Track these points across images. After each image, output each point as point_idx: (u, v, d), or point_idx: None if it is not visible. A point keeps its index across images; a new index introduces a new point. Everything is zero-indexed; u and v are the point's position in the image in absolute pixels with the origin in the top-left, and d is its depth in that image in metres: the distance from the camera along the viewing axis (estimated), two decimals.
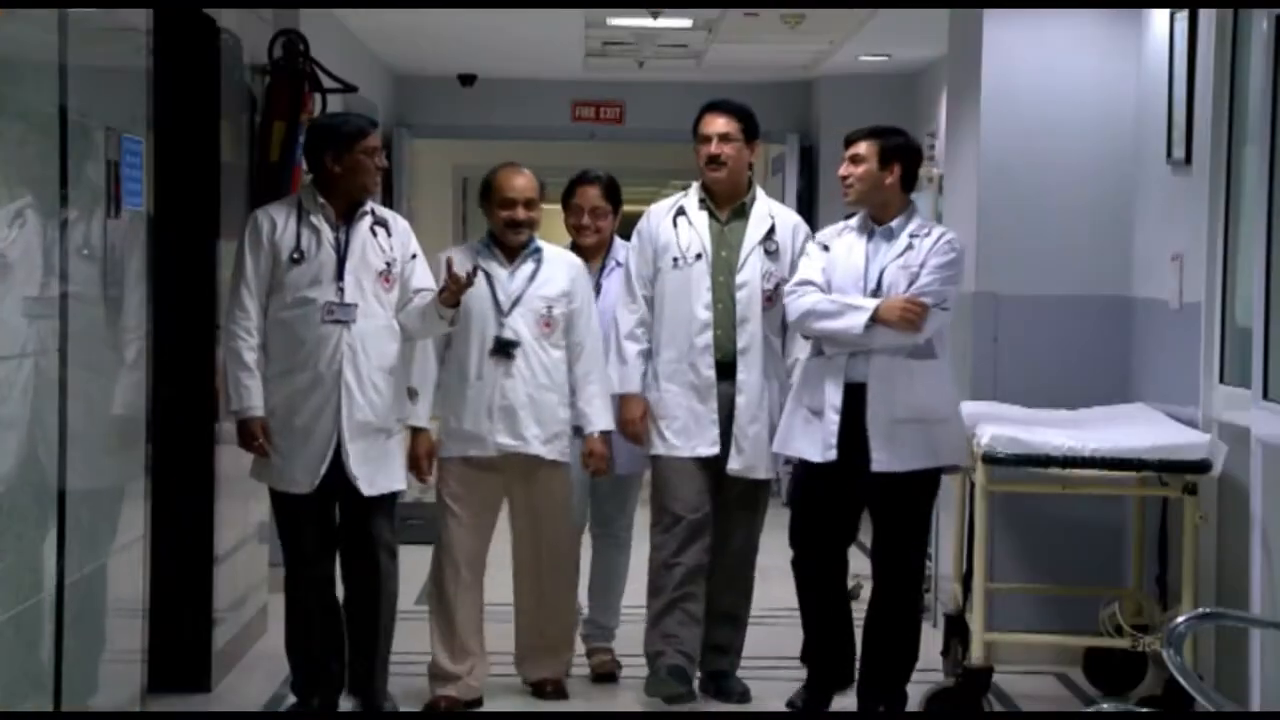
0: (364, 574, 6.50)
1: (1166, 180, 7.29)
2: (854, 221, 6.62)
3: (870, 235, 6.53)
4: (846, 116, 13.05)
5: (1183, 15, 7.01)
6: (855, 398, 6.39)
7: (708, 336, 6.80)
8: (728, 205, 6.91)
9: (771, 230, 6.89)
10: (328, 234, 6.41)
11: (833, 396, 6.42)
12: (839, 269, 6.50)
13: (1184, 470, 6.51)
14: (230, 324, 6.39)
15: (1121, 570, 7.47)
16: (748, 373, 6.80)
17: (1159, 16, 7.35)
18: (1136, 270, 7.67)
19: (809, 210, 12.62)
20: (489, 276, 6.76)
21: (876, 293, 6.38)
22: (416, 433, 6.78)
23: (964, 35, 8.25)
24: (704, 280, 6.80)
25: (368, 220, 6.50)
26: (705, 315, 6.79)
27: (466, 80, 13.97)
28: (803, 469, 6.65)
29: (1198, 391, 6.85)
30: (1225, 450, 6.46)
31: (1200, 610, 6.19)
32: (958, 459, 6.58)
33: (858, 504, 6.59)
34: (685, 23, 10.91)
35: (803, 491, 6.70)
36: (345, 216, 6.45)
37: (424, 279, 6.58)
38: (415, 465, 6.79)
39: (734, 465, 6.83)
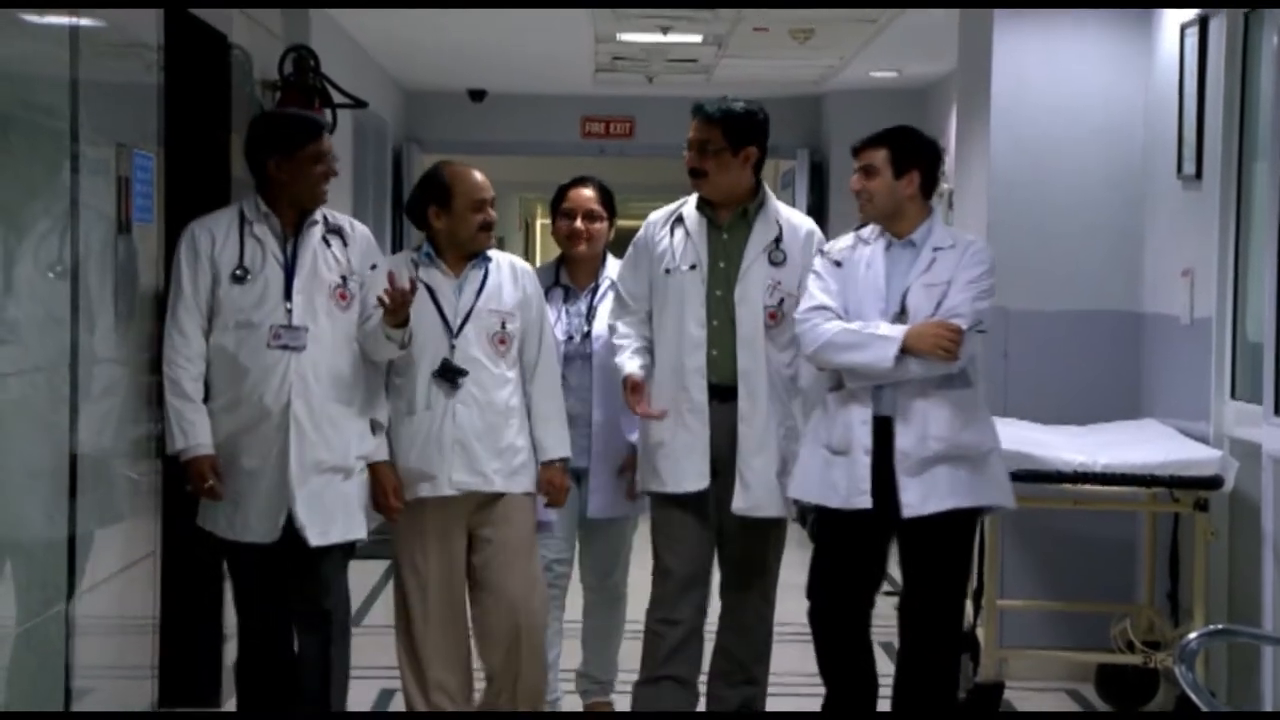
0: (310, 644, 5.82)
1: (1177, 195, 7.29)
2: (867, 233, 5.91)
3: (887, 248, 5.82)
4: (856, 131, 13.00)
5: (1193, 30, 7.01)
6: (880, 433, 5.68)
7: (700, 357, 5.99)
8: (728, 211, 6.10)
9: (779, 238, 6.08)
10: (274, 247, 5.69)
11: (861, 435, 5.68)
12: (856, 289, 5.78)
13: (1195, 486, 6.51)
14: (168, 351, 5.61)
15: (1133, 586, 7.46)
16: (751, 399, 5.98)
17: (1169, 31, 7.35)
18: (1147, 285, 7.66)
19: (819, 227, 12.60)
20: (432, 291, 5.84)
21: (900, 316, 5.67)
22: (373, 467, 5.84)
23: (974, 51, 8.25)
24: (697, 293, 6.00)
25: (318, 230, 5.77)
26: (697, 332, 5.98)
27: (476, 95, 14.01)
28: (823, 516, 5.86)
29: (1208, 407, 6.84)
30: (1236, 466, 6.45)
31: (1212, 626, 6.19)
32: (1000, 499, 5.84)
33: (884, 551, 5.87)
34: (695, 38, 10.91)
35: (823, 541, 5.91)
36: (293, 227, 5.74)
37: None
38: (383, 504, 5.87)
39: (739, 504, 5.99)
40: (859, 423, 5.69)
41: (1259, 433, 6.17)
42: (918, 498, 5.62)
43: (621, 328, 6.12)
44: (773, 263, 6.03)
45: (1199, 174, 7.01)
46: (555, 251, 6.68)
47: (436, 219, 5.91)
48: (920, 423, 5.65)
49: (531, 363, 6.00)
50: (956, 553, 5.79)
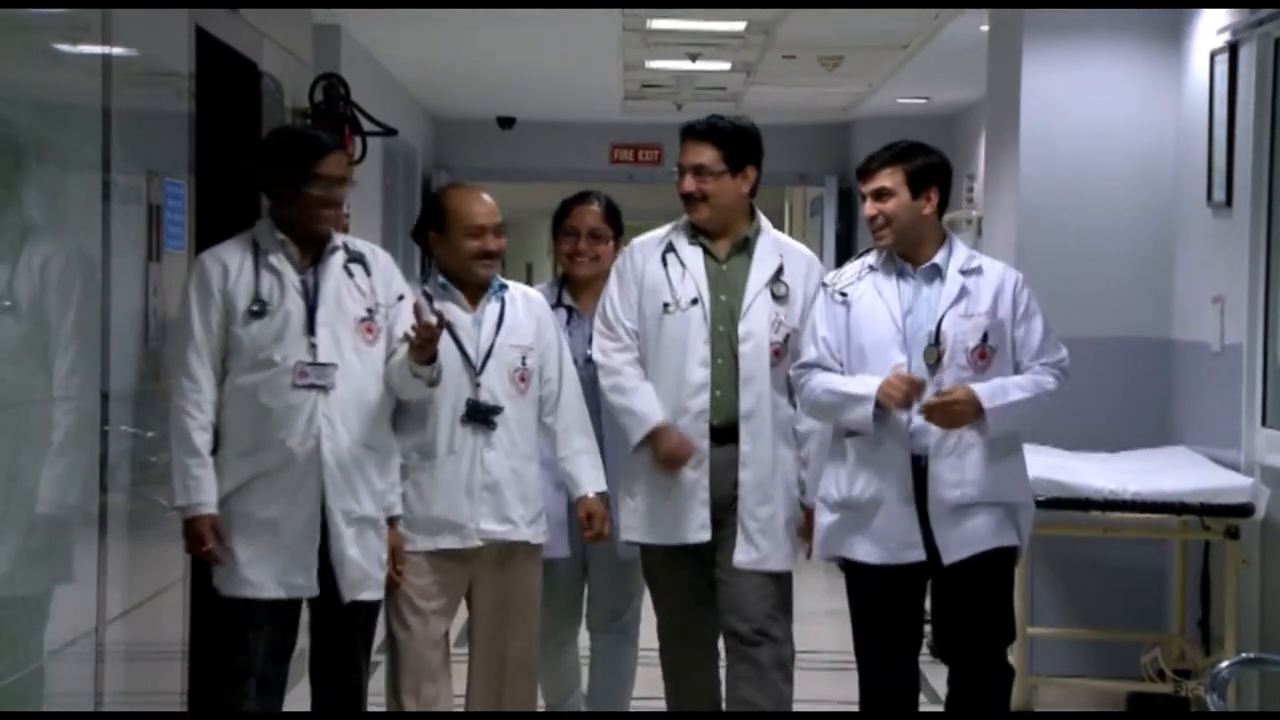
0: (340, 697, 5.34)
1: (1207, 222, 7.27)
2: (874, 258, 5.43)
3: (901, 275, 5.36)
4: None
5: (1223, 56, 7.01)
6: (914, 475, 5.26)
7: (703, 399, 5.53)
8: (727, 242, 5.64)
9: (780, 270, 5.61)
10: (292, 278, 5.16)
11: (900, 481, 5.24)
12: (867, 324, 5.33)
13: (1226, 514, 6.49)
14: (177, 398, 5.09)
15: (1163, 614, 7.44)
16: (753, 442, 5.52)
17: (1199, 57, 7.35)
18: (1177, 312, 7.64)
19: (848, 254, 12.62)
20: (450, 326, 5.35)
21: (937, 348, 5.23)
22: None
23: (1003, 78, 8.25)
24: (701, 332, 5.54)
25: (340, 257, 5.26)
26: (701, 374, 5.52)
27: (506, 123, 14.04)
28: (856, 571, 5.40)
29: (1239, 434, 6.83)
30: (1268, 494, 6.44)
31: (1243, 655, 6.16)
32: (1025, 538, 5.44)
33: (920, 603, 5.44)
34: (723, 65, 10.94)
35: (862, 599, 5.42)
36: (311, 255, 5.23)
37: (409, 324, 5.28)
38: (392, 564, 5.37)
39: (742, 557, 5.53)
40: (894, 469, 5.25)
41: None
42: (956, 541, 5.22)
43: (618, 361, 5.63)
44: (775, 296, 5.58)
45: (1229, 201, 7.00)
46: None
47: (435, 244, 5.53)
48: (957, 466, 5.22)
49: (552, 395, 5.56)
50: (999, 589, 5.38)
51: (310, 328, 5.13)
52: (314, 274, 5.20)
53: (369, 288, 5.27)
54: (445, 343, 5.27)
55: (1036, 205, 7.78)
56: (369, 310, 5.24)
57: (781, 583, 5.63)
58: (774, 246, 5.68)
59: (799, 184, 15.49)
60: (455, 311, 5.43)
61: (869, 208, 5.37)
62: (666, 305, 5.58)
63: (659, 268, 5.63)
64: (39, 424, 4.63)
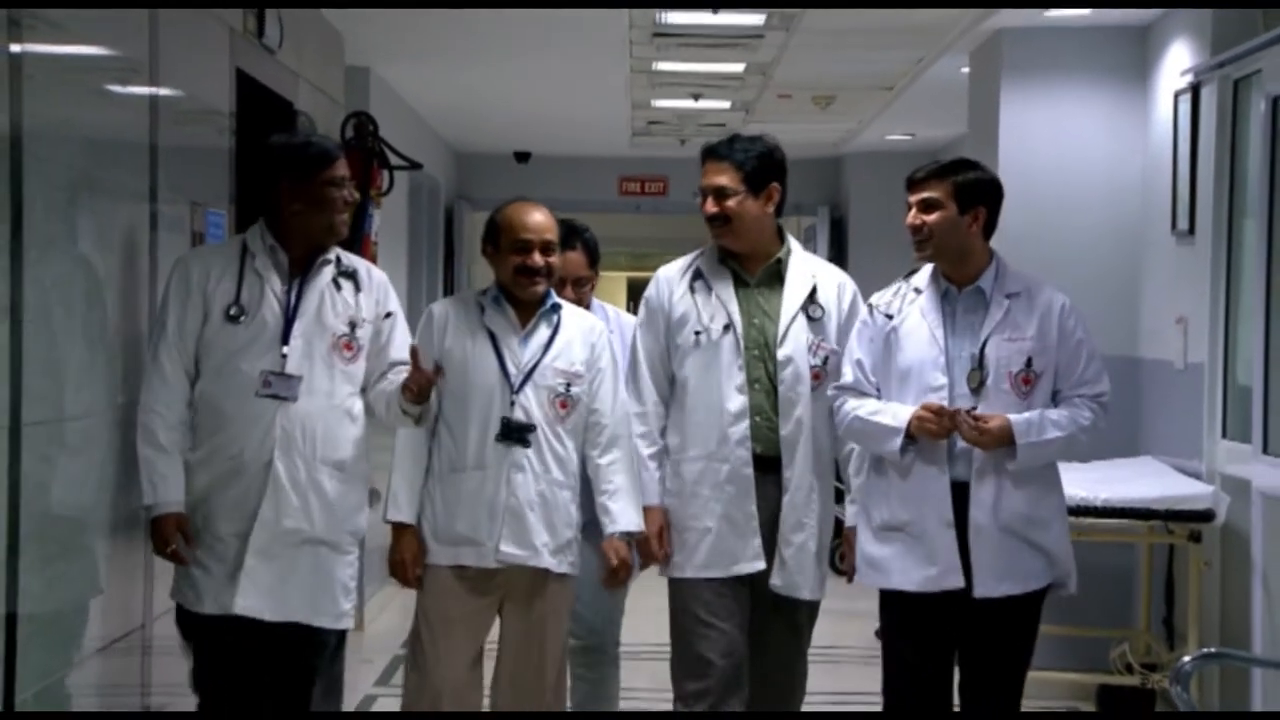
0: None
1: (1171, 250, 7.27)
2: (920, 279, 4.94)
3: (945, 297, 4.87)
4: (873, 190, 13.11)
5: (1186, 96, 7.01)
6: (955, 501, 4.78)
7: (744, 427, 5.00)
8: (757, 265, 5.11)
9: (814, 291, 5.09)
10: (275, 286, 4.69)
11: (940, 506, 4.75)
12: (909, 345, 4.84)
13: (1189, 519, 6.48)
14: (145, 395, 4.62)
15: (1131, 612, 7.42)
16: (793, 468, 5.00)
17: (1164, 97, 7.34)
18: (1144, 333, 7.64)
19: None
20: (495, 339, 4.91)
21: (980, 371, 4.77)
22: (399, 530, 4.90)
23: (982, 116, 8.25)
24: (735, 359, 5.01)
25: (329, 271, 4.77)
26: (739, 401, 4.99)
27: (522, 157, 14.05)
28: (893, 600, 4.89)
29: (1201, 446, 6.81)
30: (1228, 501, 6.43)
31: (1205, 650, 6.17)
32: (1067, 574, 4.95)
33: (953, 638, 4.89)
34: (724, 104, 10.95)
35: (896, 630, 4.91)
36: (302, 265, 4.75)
37: (401, 349, 4.84)
38: (400, 571, 4.91)
39: (776, 582, 5.01)
40: (934, 493, 4.77)
41: (1248, 470, 6.16)
42: (994, 576, 4.75)
43: (638, 429, 5.09)
44: (811, 318, 5.07)
45: (1192, 230, 6.99)
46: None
47: (491, 259, 5.03)
48: (996, 491, 4.75)
49: (598, 427, 4.99)
50: (1024, 635, 4.91)
51: (284, 338, 4.65)
52: (299, 284, 4.72)
53: (355, 303, 4.78)
54: (486, 352, 4.90)
55: (1014, 234, 7.72)
56: (350, 325, 4.75)
57: (808, 623, 5.16)
58: (806, 267, 5.15)
59: (793, 214, 15.48)
60: (504, 326, 4.93)
61: (913, 217, 4.84)
62: (698, 334, 5.06)
63: (687, 296, 5.11)
64: (92, 437, 4.62)
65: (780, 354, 5.03)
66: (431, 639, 4.89)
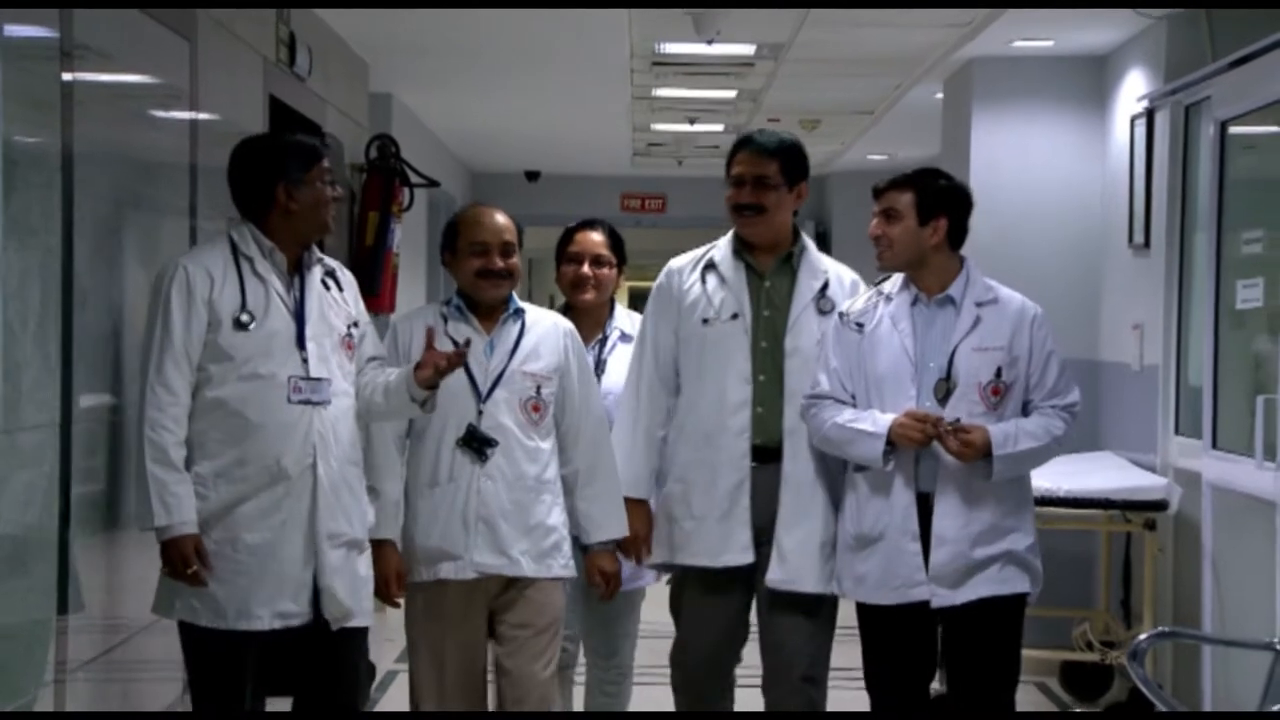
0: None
1: (1128, 261, 7.29)
2: (890, 287, 4.62)
3: (915, 305, 4.55)
4: (855, 205, 13.09)
5: (1141, 121, 7.02)
6: (919, 511, 4.46)
7: (744, 417, 4.62)
8: (770, 256, 4.75)
9: (825, 285, 4.73)
10: (279, 288, 4.23)
11: (904, 518, 4.43)
12: (881, 353, 4.51)
13: (1144, 509, 6.50)
14: (151, 411, 4.06)
15: (1091, 594, 7.44)
16: (795, 461, 4.61)
17: (1120, 122, 7.37)
18: (1103, 337, 7.65)
19: None
20: (459, 346, 4.36)
21: (947, 382, 4.45)
22: (379, 546, 4.41)
23: (955, 139, 8.28)
24: (741, 346, 4.64)
25: (319, 270, 4.34)
26: (743, 390, 4.62)
27: (532, 176, 14.09)
28: (867, 611, 4.58)
29: (1156, 441, 6.84)
30: (1180, 492, 6.44)
31: (1159, 629, 6.19)
32: (1034, 581, 4.57)
33: (933, 643, 4.59)
34: (718, 127, 10.97)
35: (872, 639, 4.59)
36: (294, 265, 4.30)
37: (375, 345, 4.48)
38: (382, 588, 4.43)
39: (774, 575, 4.60)
40: (901, 505, 4.44)
41: (1199, 463, 6.18)
42: (948, 586, 4.42)
43: (644, 409, 4.78)
44: (821, 312, 4.68)
45: (1147, 243, 7.01)
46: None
47: (450, 265, 4.59)
48: (961, 502, 4.43)
49: (573, 430, 4.57)
50: (1004, 640, 4.55)
51: (300, 341, 4.21)
52: (299, 285, 4.28)
53: (346, 300, 4.38)
54: None
55: (983, 247, 7.72)
56: (349, 325, 4.34)
57: (821, 618, 4.69)
58: (818, 262, 4.79)
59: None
60: (468, 334, 4.48)
61: (874, 226, 4.57)
62: (706, 320, 4.69)
63: (698, 285, 4.75)
64: (117, 441, 4.44)
65: (788, 343, 4.66)
66: (424, 656, 4.51)
